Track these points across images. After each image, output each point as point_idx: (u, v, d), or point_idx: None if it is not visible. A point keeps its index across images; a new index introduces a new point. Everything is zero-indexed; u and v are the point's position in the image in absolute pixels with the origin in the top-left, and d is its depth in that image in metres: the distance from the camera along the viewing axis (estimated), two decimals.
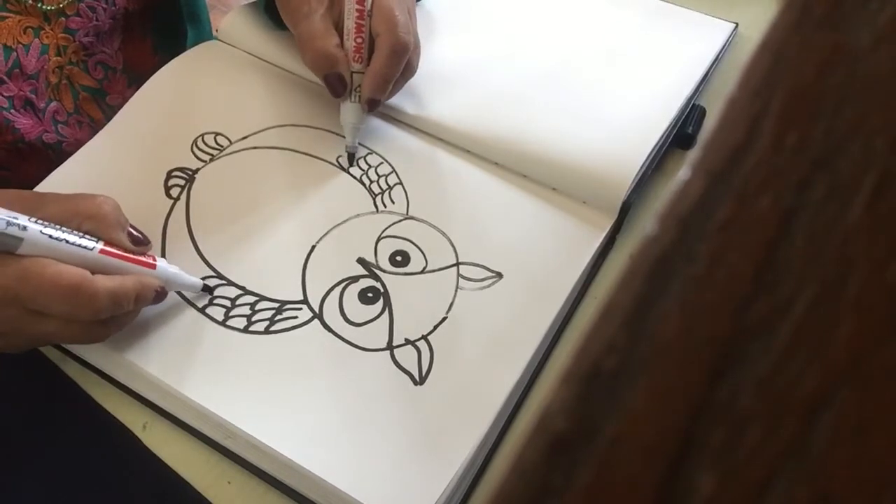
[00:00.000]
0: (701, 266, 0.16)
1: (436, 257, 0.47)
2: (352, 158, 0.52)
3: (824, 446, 0.13)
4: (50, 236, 0.37)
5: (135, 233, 0.41)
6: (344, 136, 0.52)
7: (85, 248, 0.38)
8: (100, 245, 0.39)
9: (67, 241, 0.37)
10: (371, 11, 0.48)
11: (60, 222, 0.38)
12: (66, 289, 0.36)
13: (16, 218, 0.36)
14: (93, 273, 0.37)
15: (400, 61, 0.49)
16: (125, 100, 0.53)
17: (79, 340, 0.40)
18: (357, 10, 0.48)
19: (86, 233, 0.39)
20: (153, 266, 0.41)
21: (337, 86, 0.49)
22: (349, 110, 0.51)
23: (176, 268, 0.43)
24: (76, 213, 0.39)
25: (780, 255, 0.16)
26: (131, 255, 0.40)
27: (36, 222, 0.36)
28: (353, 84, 0.50)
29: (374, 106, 0.50)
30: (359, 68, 0.50)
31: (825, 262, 0.15)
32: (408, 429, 0.40)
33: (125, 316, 0.40)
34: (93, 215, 0.39)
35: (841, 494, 0.13)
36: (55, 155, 0.55)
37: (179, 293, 0.44)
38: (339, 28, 0.50)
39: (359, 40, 0.49)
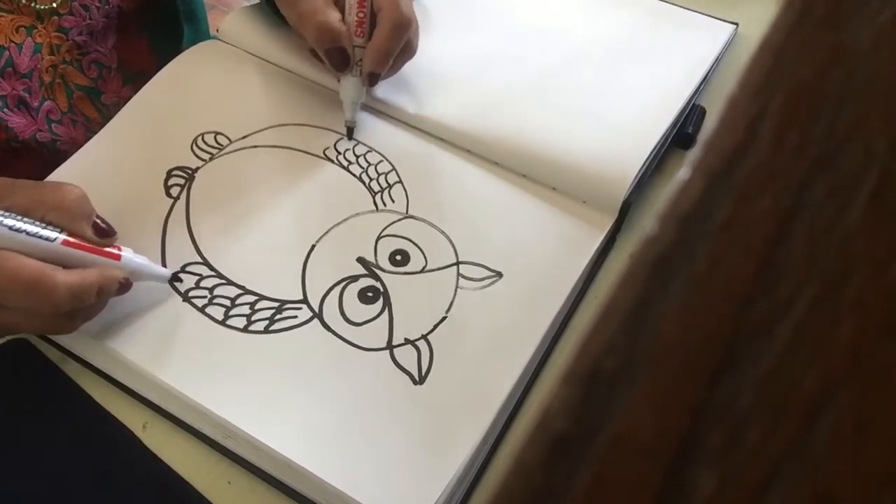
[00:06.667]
0: (701, 266, 0.16)
1: (435, 256, 0.47)
2: (350, 133, 0.52)
3: (824, 446, 0.13)
4: (10, 227, 0.36)
5: (100, 223, 0.41)
6: (344, 135, 0.52)
7: (46, 239, 0.38)
8: (62, 236, 0.38)
9: (28, 233, 0.37)
10: None
11: (26, 211, 0.38)
12: (25, 283, 0.36)
13: None
14: (57, 264, 0.37)
15: (401, 36, 0.49)
16: (120, 99, 0.53)
17: (44, 332, 0.40)
18: None
19: (50, 223, 0.39)
20: (117, 257, 0.41)
21: (339, 60, 0.50)
22: (350, 84, 0.51)
23: (143, 258, 0.42)
24: (41, 203, 0.39)
25: (780, 255, 0.16)
26: (94, 247, 0.40)
27: None
28: (354, 58, 0.50)
29: (374, 80, 0.51)
30: (360, 42, 0.50)
31: (825, 262, 0.15)
32: (407, 428, 0.40)
33: (91, 308, 0.40)
34: (57, 205, 0.39)
35: (841, 494, 0.13)
36: (49, 154, 0.55)
37: (177, 290, 0.44)
38: (339, 5, 0.50)
39: (361, 15, 0.49)
